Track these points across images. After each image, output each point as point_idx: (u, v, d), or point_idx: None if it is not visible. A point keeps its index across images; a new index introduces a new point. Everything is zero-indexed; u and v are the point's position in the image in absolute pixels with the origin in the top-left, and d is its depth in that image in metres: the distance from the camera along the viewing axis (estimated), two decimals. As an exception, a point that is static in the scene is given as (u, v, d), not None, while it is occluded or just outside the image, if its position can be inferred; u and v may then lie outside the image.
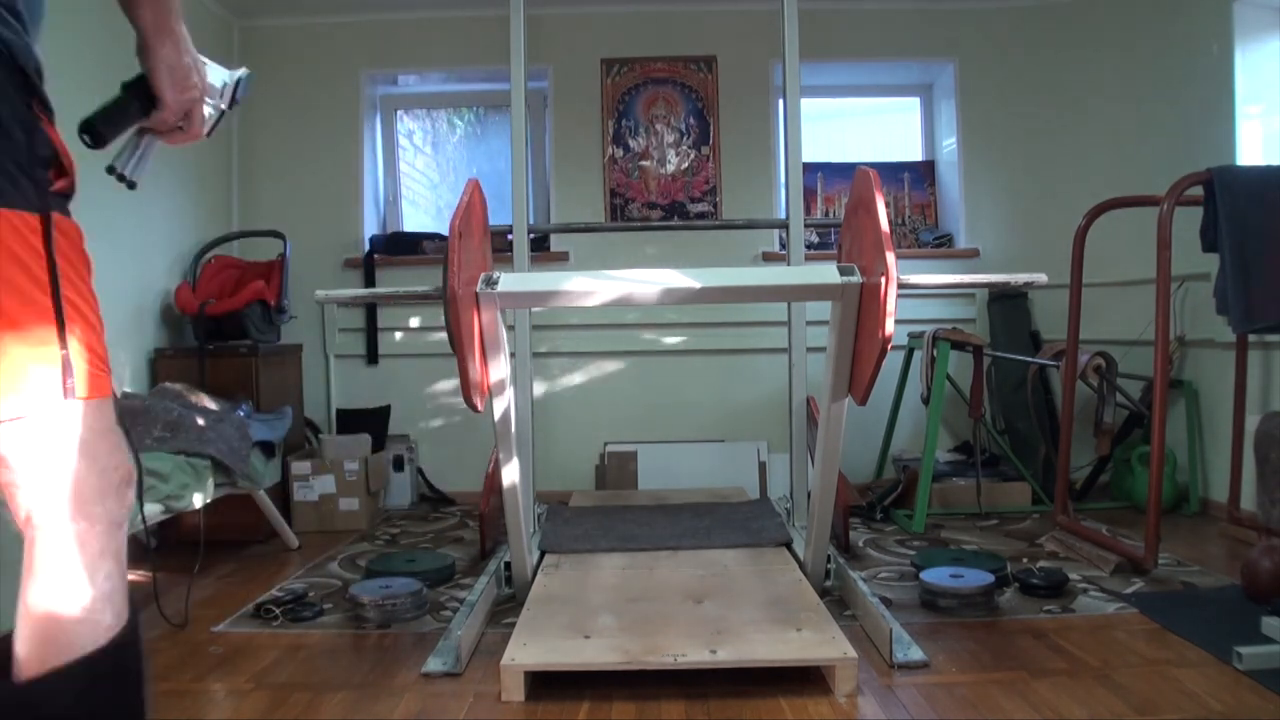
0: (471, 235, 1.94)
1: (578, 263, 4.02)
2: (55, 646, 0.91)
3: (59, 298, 0.91)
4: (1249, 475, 2.93)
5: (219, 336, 3.37)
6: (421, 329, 4.06)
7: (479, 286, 1.94)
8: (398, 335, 4.07)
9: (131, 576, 1.08)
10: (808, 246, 3.57)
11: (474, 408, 1.93)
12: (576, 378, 4.07)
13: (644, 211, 4.08)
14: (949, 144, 4.20)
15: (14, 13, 0.95)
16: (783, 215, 3.17)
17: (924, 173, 4.34)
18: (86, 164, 1.04)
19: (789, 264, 2.98)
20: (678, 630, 2.02)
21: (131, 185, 1.10)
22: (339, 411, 4.01)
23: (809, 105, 3.72)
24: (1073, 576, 2.56)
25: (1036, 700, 1.79)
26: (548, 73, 4.11)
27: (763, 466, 3.88)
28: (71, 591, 0.92)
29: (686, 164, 4.10)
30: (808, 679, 1.89)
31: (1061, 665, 1.97)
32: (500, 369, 2.05)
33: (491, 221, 2.36)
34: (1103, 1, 3.90)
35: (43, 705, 0.90)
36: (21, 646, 0.91)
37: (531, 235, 3.15)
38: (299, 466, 3.49)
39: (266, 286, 3.48)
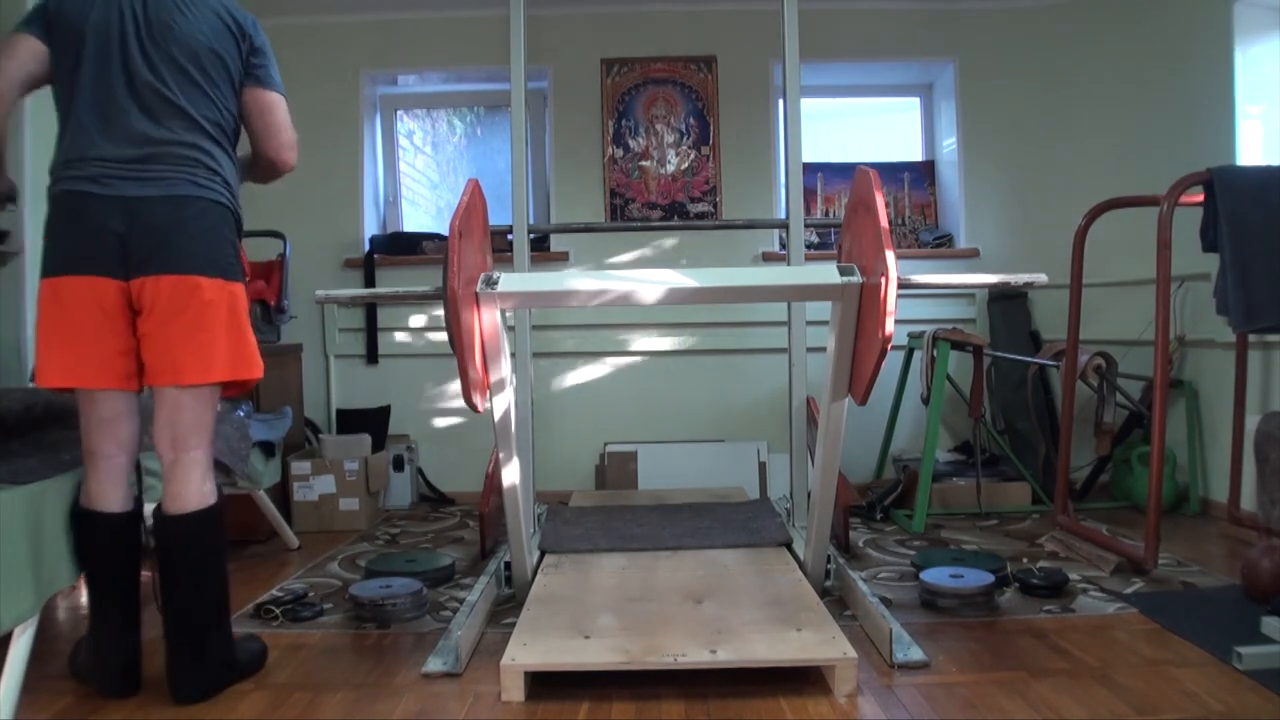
0: (471, 235, 1.94)
1: (578, 263, 4.02)
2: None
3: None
4: (1249, 475, 2.92)
5: (219, 336, 3.36)
6: (421, 329, 4.06)
7: (479, 286, 1.94)
8: (398, 335, 4.07)
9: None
10: (808, 246, 3.58)
11: (474, 408, 1.93)
12: (576, 378, 4.07)
13: (644, 211, 4.08)
14: (949, 144, 4.20)
15: (230, 188, 1.91)
16: (783, 215, 3.17)
17: (924, 173, 4.34)
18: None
19: (789, 264, 2.98)
20: (678, 630, 2.02)
21: None
22: (339, 411, 4.01)
23: (809, 105, 3.72)
24: (1073, 576, 2.57)
25: (1036, 700, 1.79)
26: (548, 73, 4.11)
27: (763, 466, 3.88)
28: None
29: (686, 164, 4.10)
30: (808, 679, 1.89)
31: (1061, 665, 1.97)
32: (500, 369, 2.05)
33: (491, 221, 2.36)
34: (1103, 2, 3.90)
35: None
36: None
37: (531, 235, 3.15)
38: (299, 466, 3.49)
39: (266, 286, 3.48)
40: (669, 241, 4.05)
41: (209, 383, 1.86)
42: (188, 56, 1.84)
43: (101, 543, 1.86)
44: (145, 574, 1.89)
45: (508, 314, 2.56)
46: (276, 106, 1.99)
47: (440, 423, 4.06)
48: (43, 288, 1.79)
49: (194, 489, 1.87)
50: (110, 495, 1.86)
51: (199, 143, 1.85)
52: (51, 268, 1.79)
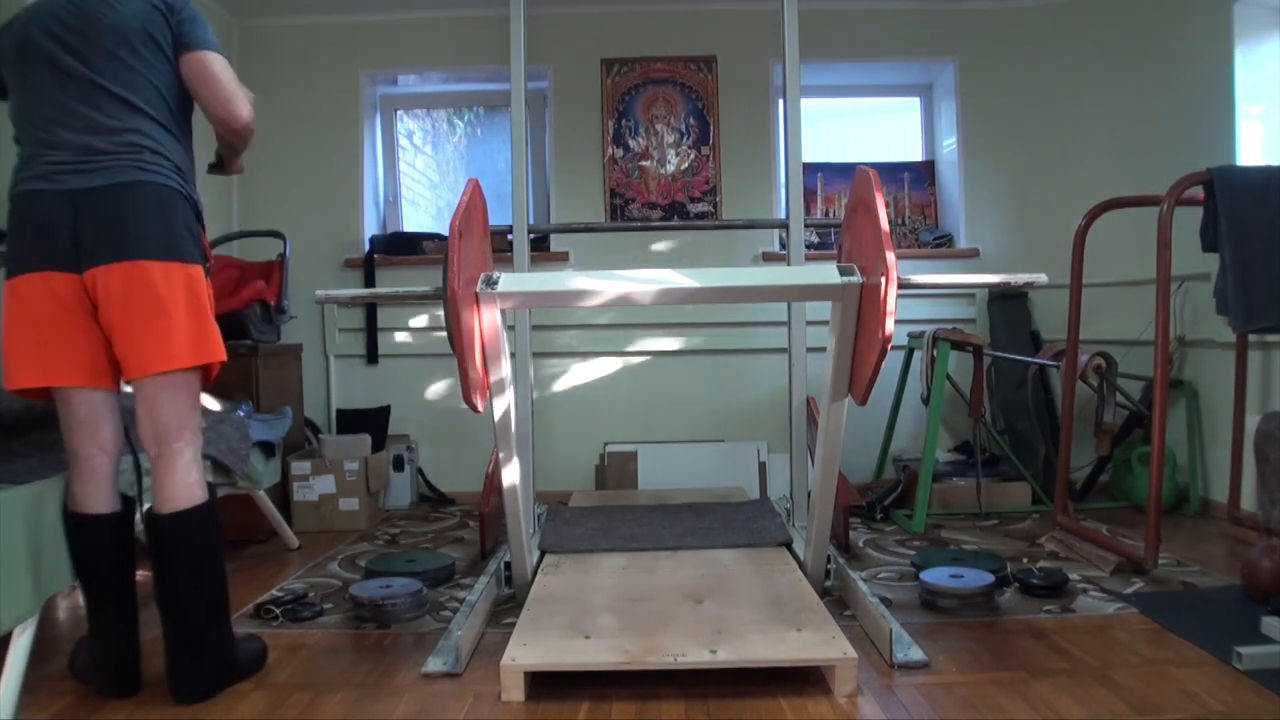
0: (471, 235, 1.94)
1: (578, 263, 4.02)
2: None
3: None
4: (1249, 475, 2.92)
5: (219, 336, 3.36)
6: (421, 329, 4.06)
7: (479, 286, 1.94)
8: (398, 335, 4.07)
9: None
10: (808, 246, 3.58)
11: (474, 408, 1.93)
12: (576, 378, 4.07)
13: (644, 211, 4.08)
14: (949, 144, 4.20)
15: (181, 173, 1.88)
16: (783, 215, 3.17)
17: (924, 173, 4.34)
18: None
19: (789, 264, 2.98)
20: (678, 630, 2.02)
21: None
22: (339, 411, 4.01)
23: (809, 105, 3.72)
24: (1073, 576, 2.57)
25: (1036, 700, 1.79)
26: (548, 73, 4.11)
27: (763, 466, 3.88)
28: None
29: (686, 164, 4.10)
30: (808, 679, 1.89)
31: (1061, 665, 1.96)
32: (500, 369, 2.05)
33: (491, 221, 2.36)
34: (1103, 2, 3.90)
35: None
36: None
37: (531, 235, 3.15)
38: (299, 466, 3.49)
39: (266, 286, 3.48)
40: (669, 242, 4.05)
41: (174, 369, 1.82)
42: (119, 44, 1.82)
43: (90, 545, 1.85)
44: (144, 573, 1.89)
45: (508, 314, 2.56)
46: (210, 63, 1.89)
47: (440, 423, 4.06)
48: (5, 290, 1.80)
49: (181, 486, 1.84)
50: (95, 497, 1.85)
51: (141, 128, 1.83)
52: (11, 269, 1.80)
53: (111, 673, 1.88)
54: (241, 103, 1.90)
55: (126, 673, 1.89)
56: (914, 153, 4.41)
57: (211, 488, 1.93)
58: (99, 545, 1.86)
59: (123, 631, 1.88)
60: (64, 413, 1.84)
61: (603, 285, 1.99)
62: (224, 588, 1.93)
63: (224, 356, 1.92)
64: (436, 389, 4.06)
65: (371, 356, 4.05)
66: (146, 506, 1.92)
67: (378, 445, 3.78)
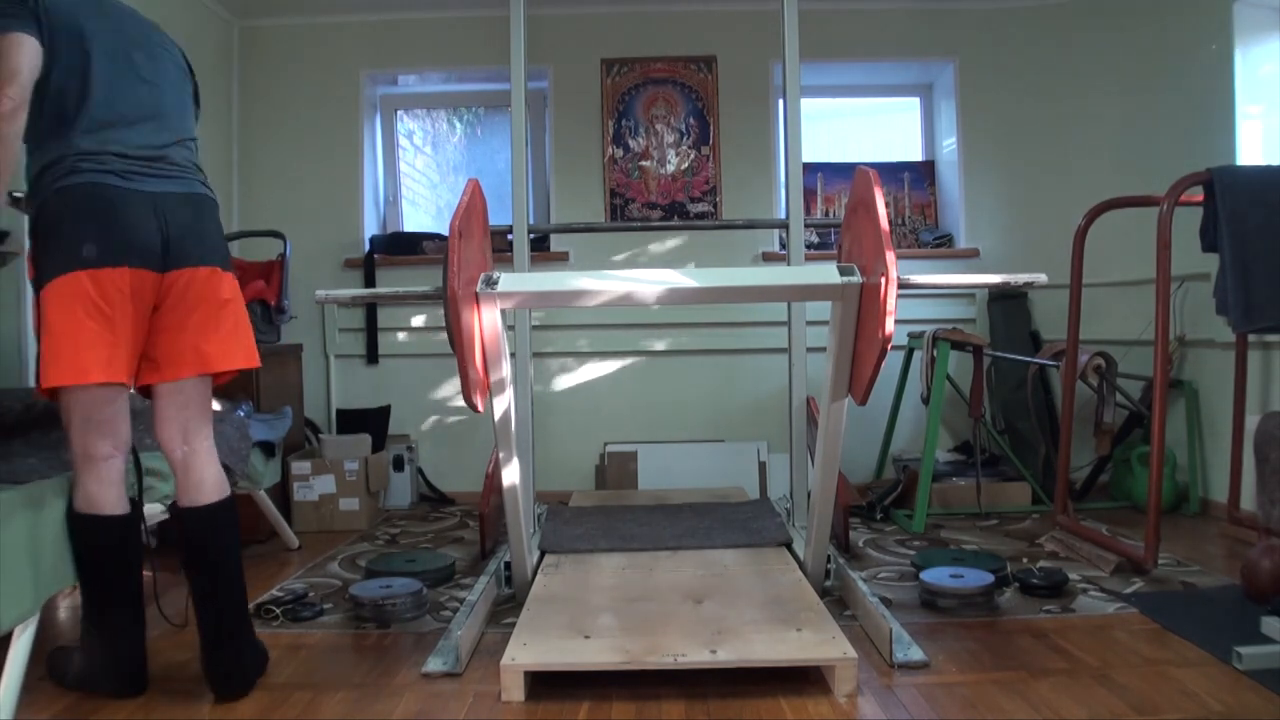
0: (471, 235, 1.94)
1: (578, 263, 4.02)
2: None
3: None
4: (1249, 475, 2.92)
5: (219, 336, 3.36)
6: (421, 329, 4.06)
7: (479, 286, 1.94)
8: (398, 335, 4.07)
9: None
10: (808, 246, 3.58)
11: (474, 408, 1.93)
12: (576, 378, 4.07)
13: (644, 211, 4.08)
14: (949, 144, 4.20)
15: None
16: (783, 215, 3.17)
17: (924, 173, 4.34)
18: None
19: (789, 264, 2.98)
20: (678, 630, 2.02)
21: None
22: (339, 411, 4.01)
23: (809, 105, 3.72)
24: (1073, 576, 2.57)
25: (1036, 700, 1.79)
26: (548, 73, 4.11)
27: (763, 466, 3.88)
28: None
29: (686, 164, 4.10)
30: (808, 679, 1.89)
31: (1061, 665, 1.97)
32: (500, 369, 2.05)
33: (491, 221, 2.36)
34: (1103, 2, 3.90)
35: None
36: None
37: (531, 235, 3.15)
38: (299, 466, 3.49)
39: (266, 286, 3.48)
40: (669, 241, 4.05)
41: (231, 370, 1.93)
42: (171, 61, 1.97)
43: (108, 546, 1.84)
44: (145, 574, 1.89)
45: (508, 314, 2.56)
46: None
47: (440, 423, 4.06)
48: (77, 280, 1.72)
49: (214, 479, 1.92)
50: (113, 497, 1.84)
51: (190, 143, 1.98)
52: (87, 259, 1.73)
53: (126, 674, 1.86)
54: None
55: (138, 673, 1.88)
56: (914, 153, 4.41)
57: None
58: (116, 546, 1.85)
59: (136, 632, 1.87)
60: (89, 413, 1.78)
61: (603, 285, 1.99)
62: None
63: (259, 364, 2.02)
64: (436, 389, 4.06)
65: (371, 356, 4.05)
66: (155, 505, 1.95)
67: (378, 445, 3.78)
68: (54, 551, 1.82)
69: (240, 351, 1.93)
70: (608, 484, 3.89)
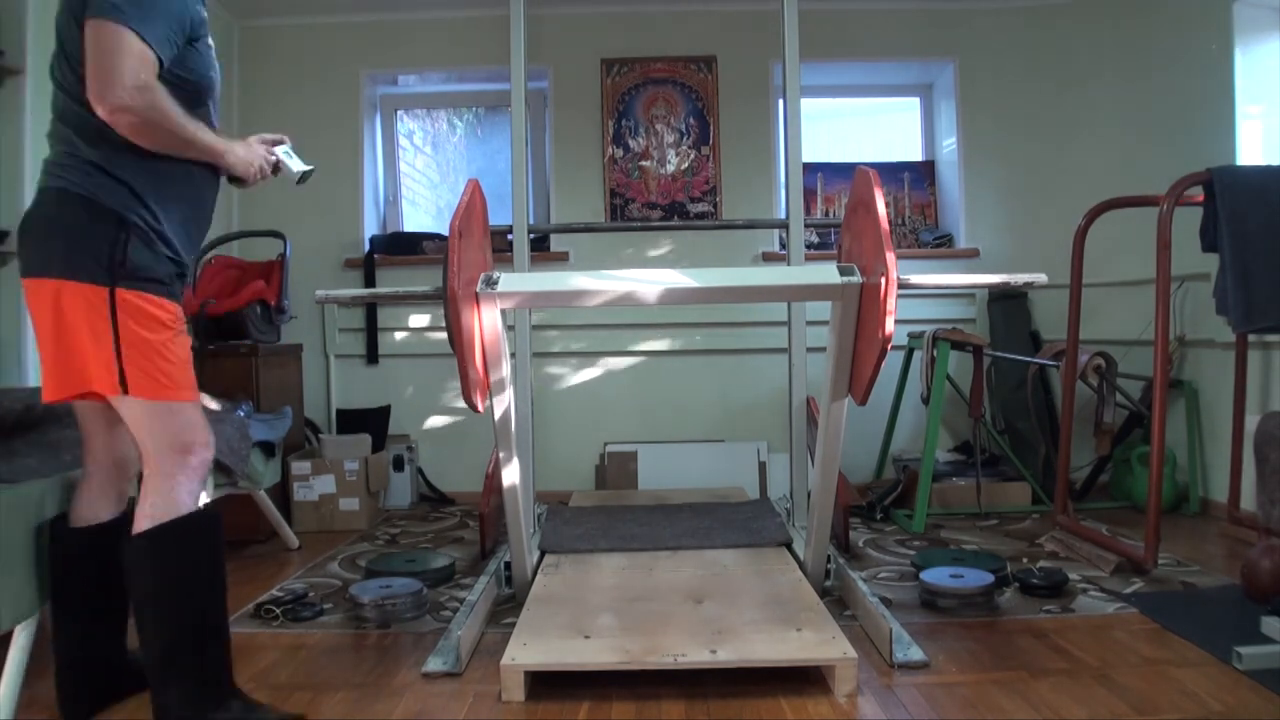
0: (471, 235, 1.94)
1: (578, 263, 4.02)
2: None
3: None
4: (1249, 475, 2.92)
5: (219, 336, 3.37)
6: (421, 329, 4.06)
7: (479, 286, 1.94)
8: (398, 335, 4.07)
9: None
10: (808, 246, 3.57)
11: (474, 408, 1.93)
12: (576, 378, 4.07)
13: (644, 211, 4.08)
14: (949, 144, 4.20)
15: (90, 165, 1.59)
16: (783, 215, 3.17)
17: (924, 173, 4.34)
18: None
19: (789, 264, 2.98)
20: (678, 630, 2.02)
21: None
22: (339, 411, 4.01)
23: (809, 105, 3.72)
24: (1073, 576, 2.57)
25: (1036, 700, 1.79)
26: (548, 73, 4.11)
27: (763, 466, 3.88)
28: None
29: (686, 164, 4.10)
30: (808, 679, 1.89)
31: (1061, 665, 1.97)
32: (500, 369, 2.05)
33: (491, 221, 2.36)
34: (1103, 1, 3.90)
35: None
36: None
37: (531, 235, 3.15)
38: (299, 466, 3.49)
39: (267, 286, 3.48)
40: (669, 241, 4.05)
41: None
42: (58, 39, 1.62)
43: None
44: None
45: (508, 314, 2.56)
46: (95, 35, 1.49)
47: (440, 423, 4.06)
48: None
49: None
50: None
51: (59, 125, 1.63)
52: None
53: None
54: (115, 89, 1.49)
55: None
56: (914, 153, 4.41)
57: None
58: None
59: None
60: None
61: (603, 285, 1.99)
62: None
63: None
64: (436, 389, 4.06)
65: (371, 356, 4.05)
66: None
67: (378, 445, 3.78)
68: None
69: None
70: (608, 484, 3.89)
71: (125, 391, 1.58)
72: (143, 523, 1.61)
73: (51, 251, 1.57)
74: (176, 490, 1.63)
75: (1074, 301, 3.09)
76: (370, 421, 3.87)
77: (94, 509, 1.78)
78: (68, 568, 1.76)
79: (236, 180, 1.80)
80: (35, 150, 2.70)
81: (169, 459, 1.63)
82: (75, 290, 1.55)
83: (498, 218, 2.65)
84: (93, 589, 1.77)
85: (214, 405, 3.01)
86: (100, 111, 1.50)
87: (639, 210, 4.08)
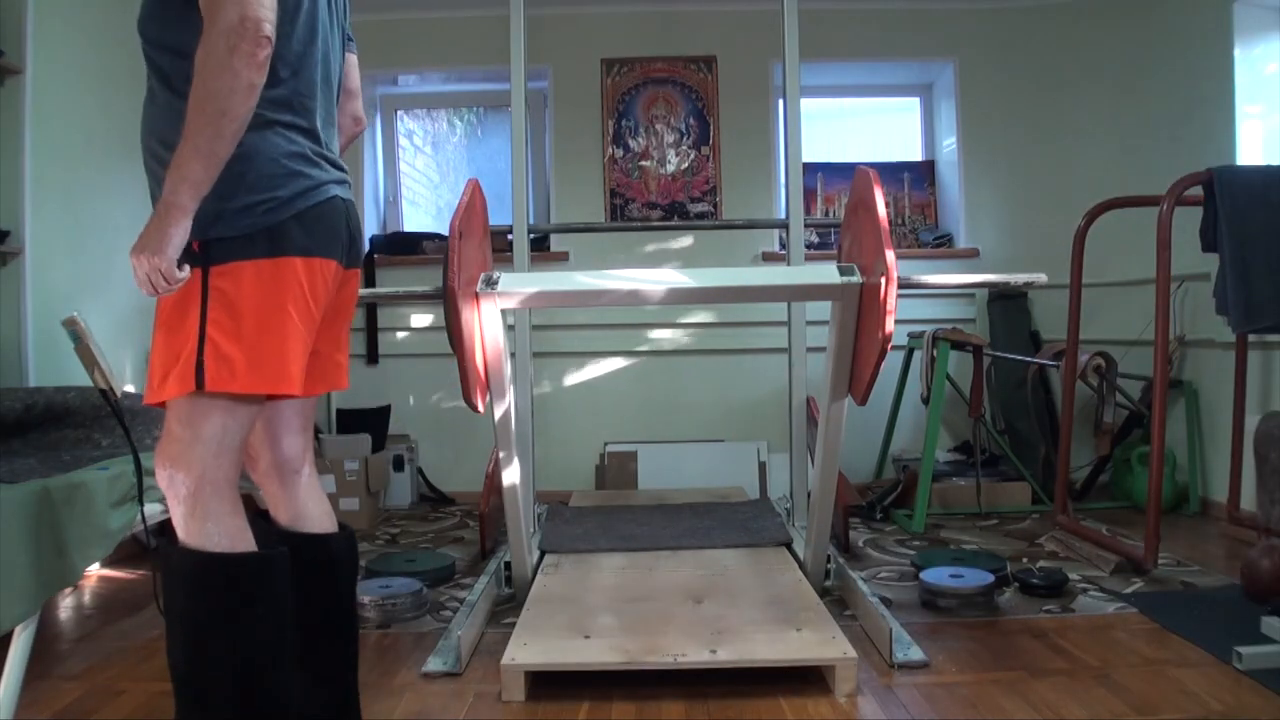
0: (471, 235, 1.94)
1: (578, 263, 4.02)
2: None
3: None
4: (1249, 475, 2.92)
5: (219, 336, 3.36)
6: (421, 329, 4.06)
7: (479, 286, 1.94)
8: (398, 335, 4.07)
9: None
10: (808, 246, 3.58)
11: (474, 408, 1.93)
12: (576, 378, 4.07)
13: (644, 211, 4.08)
14: (949, 144, 4.20)
15: None
16: (783, 215, 3.17)
17: (924, 173, 4.34)
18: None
19: (789, 264, 2.98)
20: (678, 630, 2.02)
21: None
22: (339, 411, 4.01)
23: (809, 105, 3.72)
24: (1073, 576, 2.57)
25: (1036, 700, 1.79)
26: (548, 73, 4.11)
27: (763, 466, 3.88)
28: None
29: (686, 164, 4.10)
30: (808, 679, 1.89)
31: (1061, 665, 1.97)
32: (500, 369, 2.05)
33: (491, 221, 2.36)
34: (1102, 1, 3.90)
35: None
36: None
37: (531, 235, 3.15)
38: (299, 466, 3.48)
39: (267, 286, 3.48)
40: (669, 241, 4.05)
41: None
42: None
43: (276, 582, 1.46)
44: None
45: (508, 314, 2.56)
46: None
47: (440, 423, 4.06)
48: (294, 266, 1.38)
49: (325, 505, 1.70)
50: (251, 532, 1.48)
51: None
52: (303, 247, 1.40)
53: None
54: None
55: None
56: (914, 153, 4.41)
57: None
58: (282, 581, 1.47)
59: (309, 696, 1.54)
60: (247, 432, 1.48)
61: (602, 285, 1.99)
62: None
63: None
64: (436, 389, 4.06)
65: (371, 356, 4.05)
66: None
67: (378, 445, 3.78)
68: (54, 551, 1.82)
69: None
70: (608, 484, 3.89)
71: None
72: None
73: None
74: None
75: (1074, 301, 3.09)
76: (370, 421, 3.87)
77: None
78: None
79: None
80: (35, 150, 2.70)
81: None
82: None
83: (498, 218, 2.65)
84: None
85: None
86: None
87: (639, 210, 4.08)
